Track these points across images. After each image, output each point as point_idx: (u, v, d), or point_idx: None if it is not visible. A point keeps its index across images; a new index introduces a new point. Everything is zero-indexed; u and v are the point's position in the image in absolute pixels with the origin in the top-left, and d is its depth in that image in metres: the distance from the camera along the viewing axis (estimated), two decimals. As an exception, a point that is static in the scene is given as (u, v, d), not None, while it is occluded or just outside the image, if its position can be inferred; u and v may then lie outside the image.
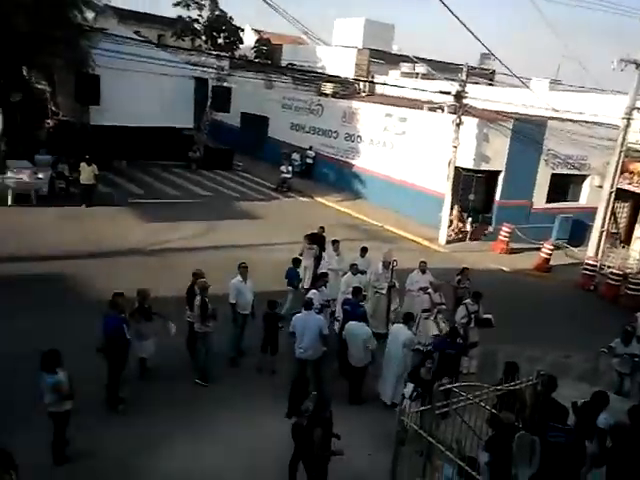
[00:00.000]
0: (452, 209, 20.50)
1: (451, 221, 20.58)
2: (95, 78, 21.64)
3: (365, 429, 8.29)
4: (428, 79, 28.85)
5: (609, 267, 17.61)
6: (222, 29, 39.77)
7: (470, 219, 20.62)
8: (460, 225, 20.73)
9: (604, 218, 18.57)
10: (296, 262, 12.31)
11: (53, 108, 26.61)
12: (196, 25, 40.14)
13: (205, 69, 26.73)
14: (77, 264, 13.29)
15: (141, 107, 23.68)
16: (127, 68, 21.20)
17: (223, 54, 32.00)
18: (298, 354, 8.98)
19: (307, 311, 9.05)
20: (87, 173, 18.10)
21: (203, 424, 8.01)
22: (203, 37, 40.51)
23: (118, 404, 8.15)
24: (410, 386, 7.86)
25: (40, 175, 17.99)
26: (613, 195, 18.56)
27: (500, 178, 20.70)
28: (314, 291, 10.51)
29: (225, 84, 26.81)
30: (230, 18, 39.77)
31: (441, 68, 29.40)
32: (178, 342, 9.62)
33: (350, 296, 10.54)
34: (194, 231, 17.00)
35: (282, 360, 9.60)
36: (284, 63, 35.23)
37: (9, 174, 17.11)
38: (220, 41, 39.99)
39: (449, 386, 6.76)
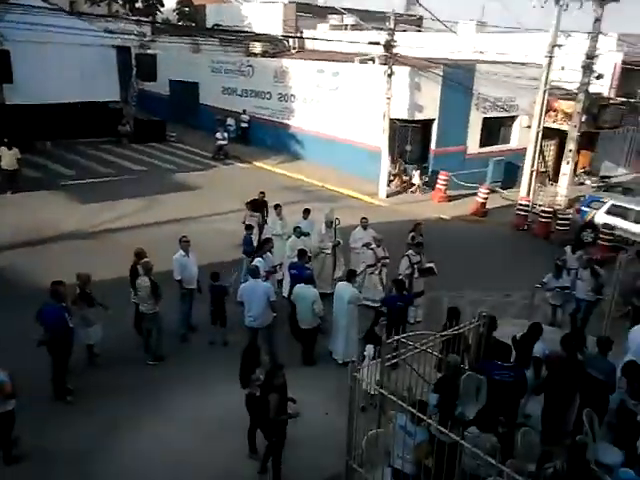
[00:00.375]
0: (396, 164, 20.72)
1: (395, 176, 20.82)
2: (4, 53, 20.23)
3: (320, 389, 8.50)
4: (357, 30, 28.51)
5: (540, 206, 18.29)
6: (140, -9, 37.52)
7: (418, 171, 20.80)
8: (405, 179, 20.95)
9: (533, 158, 19.21)
10: (249, 228, 12.19)
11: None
12: (111, -12, 37.73)
13: (126, 36, 25.44)
14: (11, 255, 12.76)
15: (60, 82, 22.45)
16: (39, 40, 19.96)
17: (143, 19, 30.43)
18: (248, 322, 9.03)
19: (254, 279, 9.07)
20: (8, 158, 17.09)
21: (159, 404, 8.02)
22: (119, 1, 38.21)
23: (66, 395, 8.02)
24: (370, 347, 8.08)
25: (-46, 163, 16.87)
26: (540, 134, 19.15)
27: (434, 126, 20.95)
28: (259, 259, 10.51)
29: (149, 51, 25.67)
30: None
31: (369, 18, 29.04)
32: (126, 324, 9.52)
33: (296, 259, 10.67)
34: (132, 208, 16.54)
35: (234, 331, 9.64)
36: (209, 25, 33.94)
37: None
38: (138, 5, 37.81)
39: (397, 337, 6.97)
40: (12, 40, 20.18)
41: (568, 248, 11.94)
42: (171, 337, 9.56)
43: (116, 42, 25.03)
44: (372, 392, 7.09)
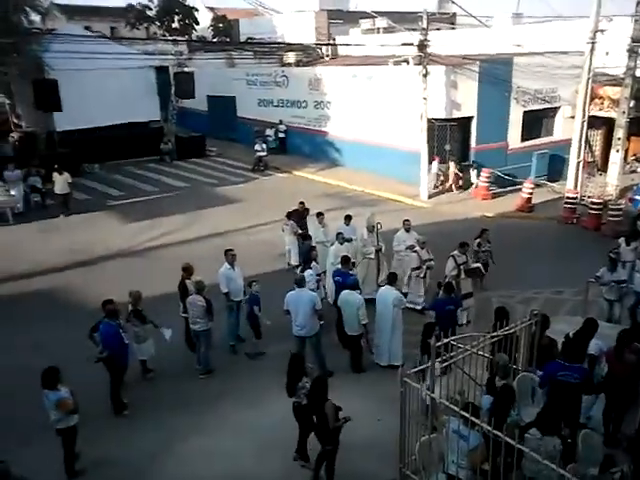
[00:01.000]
0: (447, 164, 20.39)
1: (445, 177, 20.49)
2: (52, 83, 21.09)
3: (371, 395, 8.46)
4: (390, 32, 28.38)
5: (589, 197, 17.66)
6: (175, 11, 38.62)
7: (475, 171, 20.28)
8: (458, 179, 20.40)
9: (579, 148, 18.57)
10: (305, 238, 12.37)
11: (15, 120, 26.09)
12: (148, 12, 39.03)
13: (164, 56, 26.16)
14: (65, 276, 13.26)
15: (103, 106, 23.26)
16: (84, 67, 20.73)
17: (179, 39, 31.29)
18: (295, 332, 9.07)
19: (299, 288, 9.10)
20: (60, 182, 17.81)
21: (212, 416, 8.12)
22: (157, 23, 39.46)
23: (123, 409, 8.26)
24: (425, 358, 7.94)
25: (12, 192, 17.71)
26: (585, 124, 18.52)
27: (473, 123, 20.58)
28: (309, 271, 10.43)
29: (186, 69, 26.25)
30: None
31: (401, 19, 28.87)
32: (177, 340, 9.71)
33: (339, 266, 10.65)
34: (176, 225, 16.92)
35: (284, 339, 9.66)
36: (243, 38, 34.53)
37: (-21, 195, 16.83)
38: (175, 25, 38.94)
39: (446, 340, 6.85)
40: (58, 69, 21.03)
41: (622, 240, 11.48)
42: (220, 350, 9.69)
43: (155, 63, 25.75)
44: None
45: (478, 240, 11.82)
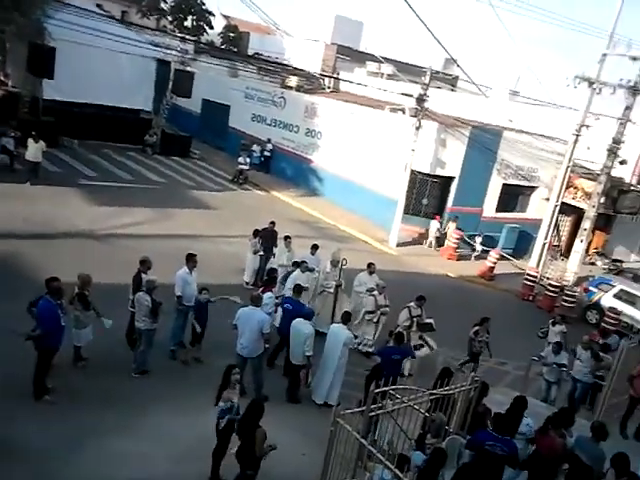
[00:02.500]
0: (445, 223, 20.70)
1: (443, 235, 20.67)
2: (51, 50, 20.72)
3: (300, 428, 8.34)
4: (393, 80, 29.14)
5: (548, 279, 18.27)
6: (191, 11, 38.74)
7: (480, 238, 20.45)
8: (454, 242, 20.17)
9: (548, 231, 19.27)
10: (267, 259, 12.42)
11: (2, 78, 25.49)
12: (163, 4, 39.06)
13: (169, 51, 26.11)
14: (18, 244, 12.79)
15: (98, 85, 23.00)
16: (86, 42, 20.51)
17: (189, 37, 31.31)
18: (238, 349, 8.94)
19: (253, 306, 9.00)
20: (34, 149, 17.36)
21: (135, 417, 7.87)
22: (169, 17, 39.48)
23: (44, 394, 7.87)
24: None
25: (-18, 148, 17.21)
26: (558, 208, 19.28)
27: (454, 184, 21.14)
28: (269, 294, 10.32)
29: (188, 68, 26.23)
30: (201, 1, 38.80)
31: (406, 69, 29.78)
32: (118, 333, 9.45)
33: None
34: (146, 218, 16.66)
35: (227, 355, 9.52)
36: (250, 52, 34.84)
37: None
38: (187, 23, 39.00)
39: (385, 389, 6.87)
40: (59, 39, 20.73)
41: (550, 322, 11.98)
42: (160, 352, 9.44)
43: (159, 55, 25.66)
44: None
45: (477, 328, 11.15)
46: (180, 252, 10.70)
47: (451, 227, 20.49)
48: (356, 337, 10.66)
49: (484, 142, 20.41)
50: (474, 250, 20.53)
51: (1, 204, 15.15)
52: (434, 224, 20.61)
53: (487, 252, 19.57)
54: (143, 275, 9.39)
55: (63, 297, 8.08)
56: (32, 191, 16.85)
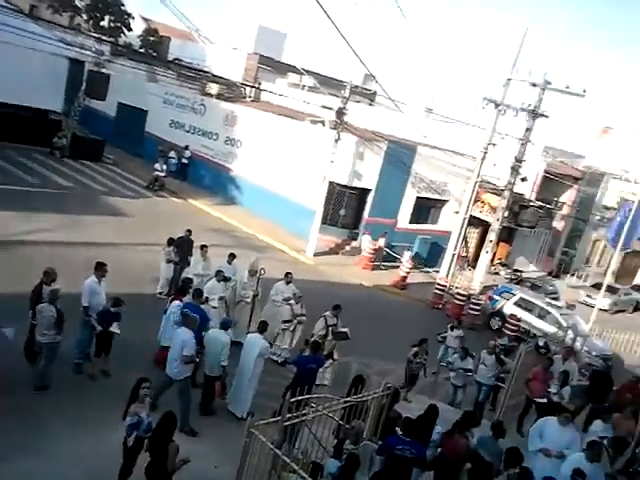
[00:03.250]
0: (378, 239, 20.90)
1: (375, 250, 20.86)
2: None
3: (214, 441, 8.20)
4: (314, 92, 29.56)
5: (457, 288, 19.20)
6: (108, 10, 37.26)
7: (409, 253, 20.69)
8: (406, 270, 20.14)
9: (457, 242, 20.28)
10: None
11: None
12: (78, 1, 37.32)
13: (82, 51, 25.00)
14: None
15: (1, 81, 21.54)
16: (-13, 36, 19.22)
17: (105, 38, 30.13)
18: (167, 369, 8.58)
19: (182, 325, 8.65)
20: None
21: (38, 434, 7.42)
22: (84, 16, 37.77)
23: None
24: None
25: None
26: (466, 221, 20.35)
27: (370, 196, 21.75)
28: (178, 303, 10.12)
29: (104, 70, 25.24)
30: (119, 2, 37.42)
31: (327, 83, 30.27)
32: (15, 346, 8.81)
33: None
34: (51, 224, 15.77)
35: (130, 364, 9.25)
36: (171, 57, 34.13)
37: None
38: (104, 23, 37.46)
39: (301, 398, 6.92)
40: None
41: (448, 327, 12.70)
42: (63, 365, 8.89)
43: (71, 54, 24.52)
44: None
45: (416, 349, 10.90)
46: (89, 261, 10.21)
47: (381, 241, 21.03)
48: (271, 346, 10.65)
49: (400, 156, 21.21)
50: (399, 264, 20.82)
51: None
52: (366, 238, 20.96)
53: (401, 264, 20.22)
54: (45, 287, 8.87)
55: None
56: None
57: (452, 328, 12.63)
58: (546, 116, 19.28)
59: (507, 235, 24.85)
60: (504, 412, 9.94)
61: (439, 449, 7.62)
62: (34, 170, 21.09)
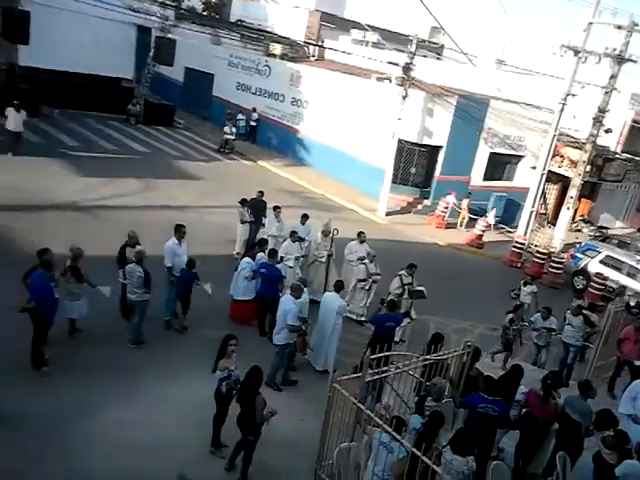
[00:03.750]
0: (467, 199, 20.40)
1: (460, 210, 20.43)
2: (24, 13, 19.81)
3: (298, 395, 8.46)
4: (378, 48, 28.73)
5: (536, 246, 18.45)
6: (172, -26, 37.29)
7: (493, 210, 20.32)
8: (465, 216, 20.20)
9: (535, 199, 19.41)
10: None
11: (-24, 45, 24.56)
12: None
13: (149, 17, 25.33)
14: (3, 216, 12.52)
15: (76, 51, 22.37)
16: (63, 7, 19.80)
17: (168, 3, 30.33)
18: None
19: (291, 295, 8.82)
20: (15, 120, 16.86)
21: (132, 386, 7.89)
22: (149, -20, 38.04)
23: (42, 365, 7.87)
24: None
25: (-41, 118, 16.68)
26: (544, 177, 19.38)
27: (441, 153, 21.11)
28: (247, 259, 10.45)
29: (170, 35, 25.50)
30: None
31: (392, 38, 29.34)
32: (112, 304, 9.41)
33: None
34: (130, 189, 16.40)
35: (212, 320, 9.59)
36: (233, 19, 34.00)
37: None
38: (168, -13, 37.63)
39: (381, 355, 6.94)
40: (32, 2, 19.92)
41: (521, 282, 12.30)
42: (154, 322, 9.41)
43: (138, 21, 24.91)
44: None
45: (511, 316, 10.62)
46: (166, 223, 10.59)
47: (464, 203, 20.41)
48: (348, 305, 10.74)
49: (471, 111, 20.33)
50: (488, 225, 20.02)
51: (-17, 175, 14.82)
52: (450, 198, 20.34)
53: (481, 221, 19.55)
54: (128, 248, 9.31)
55: (54, 270, 7.97)
56: (15, 162, 16.43)
57: (525, 284, 12.23)
58: (634, 61, 17.80)
59: (590, 191, 23.51)
60: (592, 373, 9.59)
61: (524, 409, 7.50)
62: (112, 137, 21.87)
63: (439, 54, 35.64)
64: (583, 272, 16.62)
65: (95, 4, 19.93)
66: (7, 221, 12.36)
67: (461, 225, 20.56)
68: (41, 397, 7.29)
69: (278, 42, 27.77)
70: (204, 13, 37.50)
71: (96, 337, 8.82)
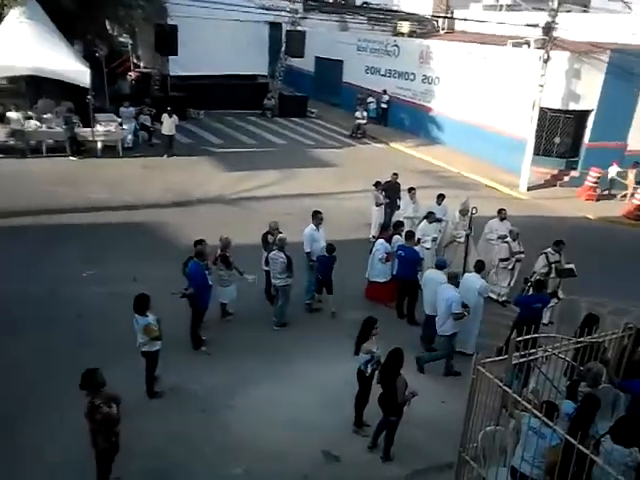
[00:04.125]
0: (627, 172, 18.58)
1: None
2: (173, 28, 21.86)
3: (438, 378, 8.43)
4: (514, 11, 26.83)
5: None
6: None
7: None
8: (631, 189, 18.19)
9: None
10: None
11: (135, 61, 27.45)
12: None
13: (279, 12, 26.23)
14: (162, 213, 13.95)
15: (216, 55, 23.83)
16: (202, 16, 21.22)
17: (297, -5, 31.06)
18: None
19: (448, 284, 8.77)
20: (169, 124, 18.63)
21: (280, 366, 8.38)
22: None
23: (201, 345, 8.71)
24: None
25: (125, 127, 18.81)
26: None
27: (590, 118, 19.24)
28: (382, 241, 10.52)
29: (299, 28, 26.20)
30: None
31: (529, -3, 27.18)
32: (259, 289, 10.04)
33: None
34: (271, 179, 17.29)
35: (362, 308, 9.78)
36: (359, 2, 33.95)
37: (98, 127, 17.99)
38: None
39: (528, 337, 6.62)
40: (177, 16, 21.65)
41: None
42: (296, 306, 9.89)
43: (269, 18, 25.90)
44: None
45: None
46: (305, 210, 11.03)
47: (630, 175, 18.49)
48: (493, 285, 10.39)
49: (628, 66, 18.10)
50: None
51: (145, 176, 16.62)
52: (613, 169, 18.67)
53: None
54: (269, 236, 9.82)
55: (207, 259, 8.72)
56: (169, 162, 18.22)
57: None
58: None
59: None
60: None
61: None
62: (251, 132, 23.17)
63: (585, 6, 32.29)
64: None
65: (230, 8, 21.18)
66: (166, 217, 13.72)
67: (626, 199, 18.34)
68: (203, 373, 8.07)
69: (406, 19, 27.22)
70: (330, 1, 37.82)
71: (245, 320, 9.50)
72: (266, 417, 7.32)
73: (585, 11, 30.43)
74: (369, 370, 6.94)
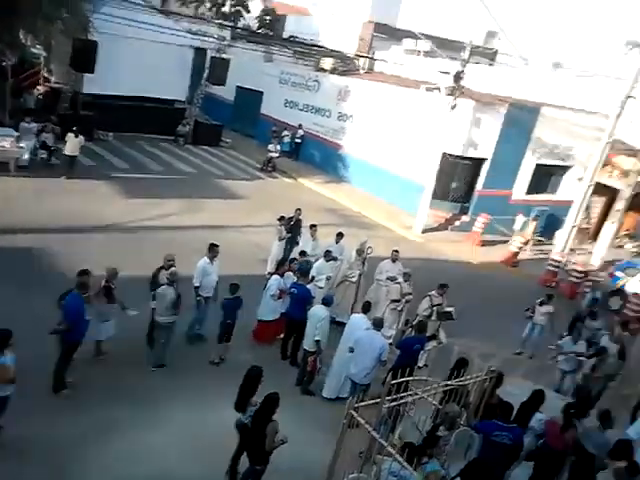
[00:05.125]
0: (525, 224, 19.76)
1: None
2: (93, 44, 20.49)
3: (312, 423, 8.38)
4: (430, 57, 28.22)
5: (573, 264, 17.29)
6: (230, -4, 38.13)
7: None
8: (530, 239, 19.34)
9: (577, 212, 18.29)
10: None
11: (46, 74, 26.11)
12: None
13: (205, 38, 25.96)
14: (50, 238, 13.06)
15: (136, 76, 22.87)
16: (125, 35, 20.52)
17: (226, 23, 31.01)
18: (351, 375, 8.87)
19: (374, 330, 8.79)
20: (73, 144, 17.77)
21: (151, 412, 8.04)
22: (208, 4, 39.15)
23: (62, 388, 8.04)
24: None
25: (22, 144, 17.63)
26: (591, 189, 18.26)
27: (485, 166, 20.42)
28: (276, 277, 10.58)
29: (224, 55, 25.96)
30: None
31: (446, 45, 28.70)
32: (139, 326, 9.49)
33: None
34: (175, 209, 16.96)
35: (246, 348, 9.72)
36: (286, 35, 34.39)
37: (-10, 142, 16.83)
38: (225, 9, 38.61)
39: (401, 380, 6.83)
40: (101, 32, 20.49)
41: (537, 302, 11.78)
42: (176, 346, 9.52)
43: (196, 43, 25.45)
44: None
45: (593, 362, 10.20)
46: (205, 243, 10.77)
47: (530, 227, 19.65)
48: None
49: (520, 120, 19.51)
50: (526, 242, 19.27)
51: (36, 199, 15.55)
52: (520, 219, 19.79)
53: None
54: (162, 272, 9.40)
55: (89, 290, 8.13)
56: (67, 185, 17.24)
57: (541, 303, 11.77)
58: None
59: (638, 203, 22.04)
60: (616, 402, 9.04)
61: (541, 440, 7.21)
62: (160, 158, 22.62)
63: (492, 60, 34.62)
64: (620, 292, 15.60)
65: (157, 30, 20.63)
66: (52, 243, 12.81)
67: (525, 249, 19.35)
68: (57, 422, 7.43)
69: (329, 56, 27.66)
70: (259, 31, 38.02)
71: (120, 360, 8.96)
72: (123, 472, 6.94)
73: (491, 64, 32.68)
74: (249, 422, 6.72)
